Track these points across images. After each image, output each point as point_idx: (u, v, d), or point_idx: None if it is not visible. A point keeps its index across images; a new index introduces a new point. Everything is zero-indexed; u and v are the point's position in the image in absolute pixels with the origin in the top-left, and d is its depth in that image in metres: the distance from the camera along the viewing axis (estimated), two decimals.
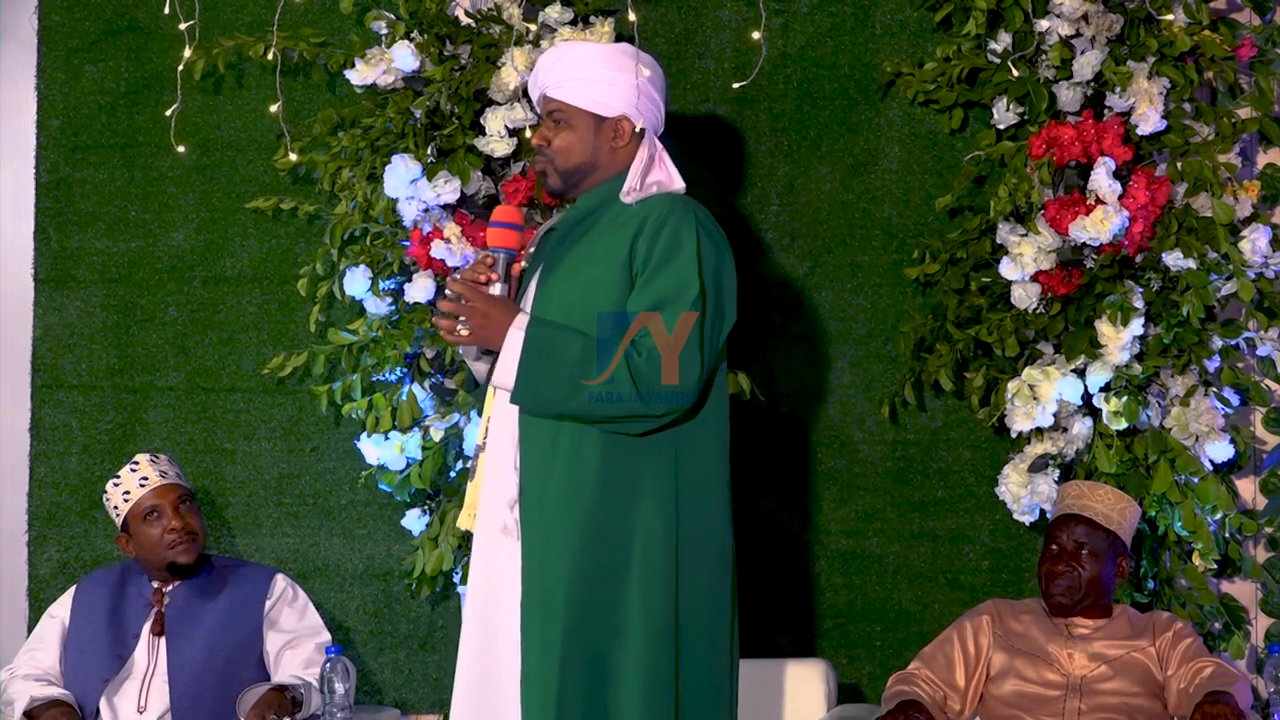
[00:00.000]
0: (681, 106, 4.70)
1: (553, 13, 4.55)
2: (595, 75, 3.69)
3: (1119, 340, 4.28)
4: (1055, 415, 4.33)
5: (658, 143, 3.73)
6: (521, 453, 3.59)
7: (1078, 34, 4.38)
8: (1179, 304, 4.30)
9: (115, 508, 4.39)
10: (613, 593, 3.52)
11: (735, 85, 4.44)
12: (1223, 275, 4.30)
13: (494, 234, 3.67)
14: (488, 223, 3.73)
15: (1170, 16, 4.33)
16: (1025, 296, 4.37)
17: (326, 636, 4.38)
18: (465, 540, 4.53)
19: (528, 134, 4.52)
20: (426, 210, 4.54)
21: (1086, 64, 4.35)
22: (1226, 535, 4.35)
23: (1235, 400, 4.33)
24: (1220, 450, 4.30)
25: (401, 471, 4.59)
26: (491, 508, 3.62)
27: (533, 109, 4.50)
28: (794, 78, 4.69)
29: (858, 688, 4.59)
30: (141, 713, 4.25)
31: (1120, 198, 4.29)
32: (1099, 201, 4.31)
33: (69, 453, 4.94)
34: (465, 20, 4.63)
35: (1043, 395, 4.30)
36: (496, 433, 3.65)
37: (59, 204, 4.98)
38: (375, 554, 4.79)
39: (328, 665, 3.86)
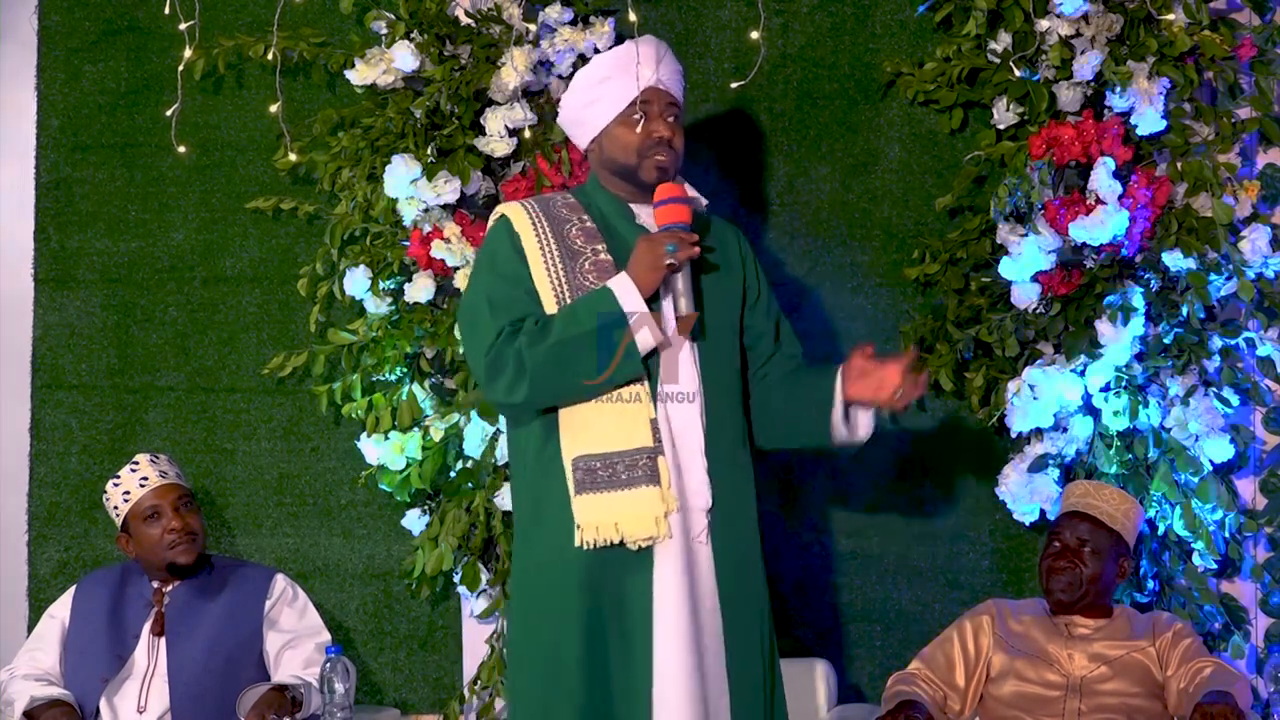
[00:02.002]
0: None
1: (553, 13, 4.54)
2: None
3: (1119, 340, 4.28)
4: (1055, 415, 4.33)
5: None
6: (710, 463, 3.67)
7: (1078, 34, 4.38)
8: (1179, 304, 4.30)
9: (115, 508, 4.39)
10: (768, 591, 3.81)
11: (735, 85, 4.44)
12: (1223, 275, 4.30)
13: (670, 211, 3.63)
14: (655, 203, 3.64)
15: (1170, 16, 4.33)
16: (1025, 296, 4.37)
17: (326, 636, 4.38)
18: (465, 540, 4.53)
19: (527, 134, 4.52)
20: (426, 210, 4.54)
21: (1086, 64, 4.35)
22: (1226, 535, 4.35)
23: (1235, 400, 4.33)
24: (1220, 450, 4.29)
25: (401, 471, 4.59)
26: (688, 514, 3.66)
27: (531, 109, 4.50)
28: (794, 78, 4.69)
29: (858, 688, 4.59)
30: (141, 713, 4.25)
31: (1120, 198, 4.29)
32: (1099, 201, 4.31)
33: (69, 453, 4.93)
34: (465, 20, 4.63)
35: (1042, 395, 4.30)
36: (676, 440, 3.66)
37: (59, 204, 4.98)
38: (375, 554, 4.79)
39: (328, 665, 3.86)
